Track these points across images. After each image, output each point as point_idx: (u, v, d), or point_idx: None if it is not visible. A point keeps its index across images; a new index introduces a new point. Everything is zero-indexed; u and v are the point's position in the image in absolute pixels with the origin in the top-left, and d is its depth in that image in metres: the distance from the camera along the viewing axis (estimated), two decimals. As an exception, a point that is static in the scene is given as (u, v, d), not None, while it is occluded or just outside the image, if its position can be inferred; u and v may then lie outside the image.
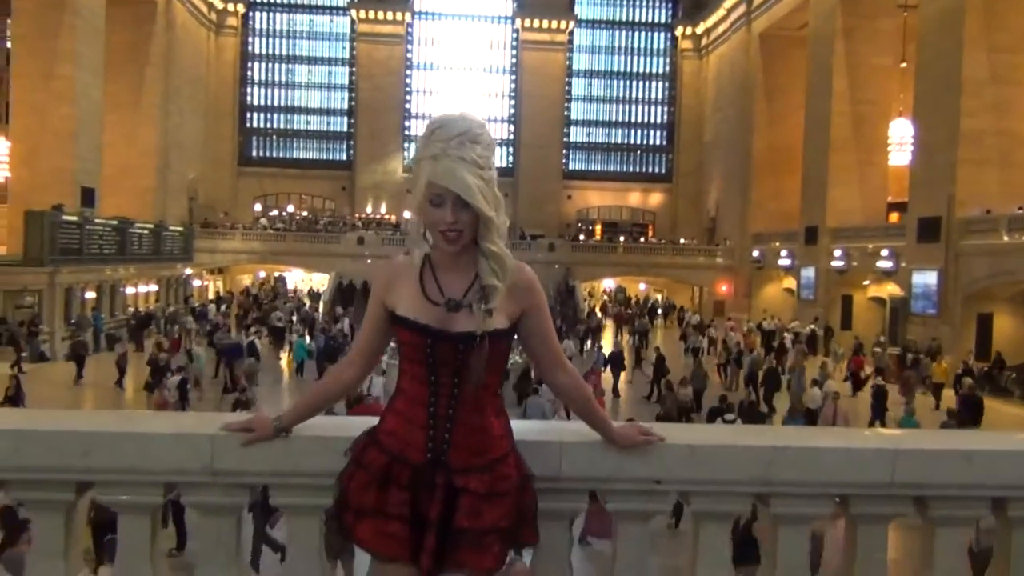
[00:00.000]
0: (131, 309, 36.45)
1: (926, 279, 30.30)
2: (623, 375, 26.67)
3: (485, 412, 2.25)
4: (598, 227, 62.90)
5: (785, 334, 36.24)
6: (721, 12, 54.85)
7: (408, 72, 61.74)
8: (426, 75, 62.24)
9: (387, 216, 58.95)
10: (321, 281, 50.64)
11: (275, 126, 61.81)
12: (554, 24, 60.61)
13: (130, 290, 37.71)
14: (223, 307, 40.29)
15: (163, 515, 9.08)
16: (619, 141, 64.18)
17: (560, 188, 62.00)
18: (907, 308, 31.50)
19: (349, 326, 31.63)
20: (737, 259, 49.79)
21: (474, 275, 2.23)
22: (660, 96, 63.81)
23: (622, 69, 63.75)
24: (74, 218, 32.13)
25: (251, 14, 60.54)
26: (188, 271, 45.41)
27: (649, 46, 63.58)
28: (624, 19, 63.39)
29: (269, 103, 61.65)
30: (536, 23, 60.60)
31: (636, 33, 63.48)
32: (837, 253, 37.14)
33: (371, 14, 59.42)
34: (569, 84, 62.91)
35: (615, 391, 24.73)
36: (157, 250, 40.28)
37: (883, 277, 34.40)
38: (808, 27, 41.61)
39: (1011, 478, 2.50)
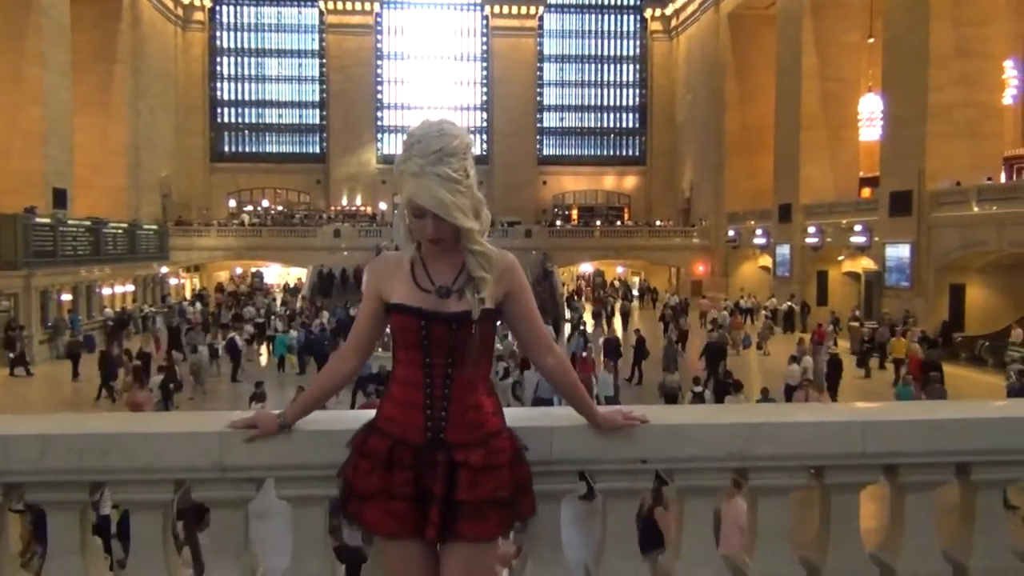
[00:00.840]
0: (107, 310, 36.18)
1: (899, 252, 30.72)
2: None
3: (477, 391, 2.40)
4: (574, 212, 63.11)
5: (762, 311, 36.71)
6: (690, -7, 55.05)
7: (379, 62, 61.53)
8: (397, 64, 62.04)
9: (363, 208, 58.82)
10: (299, 275, 50.48)
11: (247, 121, 61.45)
12: (523, 10, 60.59)
13: (106, 291, 37.41)
14: (198, 305, 40.00)
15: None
16: (592, 125, 64.34)
17: (535, 174, 62.10)
18: (881, 282, 31.93)
19: (329, 320, 31.61)
20: (713, 239, 50.17)
21: (461, 264, 2.39)
22: (631, 79, 63.98)
23: (593, 53, 63.89)
24: (47, 220, 31.84)
25: (218, 8, 60.02)
26: (164, 270, 45.12)
27: (619, 29, 63.71)
28: (593, 3, 63.56)
29: (240, 98, 61.24)
30: (505, 9, 60.54)
31: (605, 16, 63.59)
32: (811, 230, 37.54)
33: (339, 5, 59.15)
34: (540, 69, 62.94)
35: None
36: (132, 249, 39.98)
37: (857, 252, 34.83)
38: (776, 5, 41.88)
39: (974, 444, 2.66)
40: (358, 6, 59.43)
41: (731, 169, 48.56)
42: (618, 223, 58.82)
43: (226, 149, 61.06)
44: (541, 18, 62.21)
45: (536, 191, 62.06)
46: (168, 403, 19.09)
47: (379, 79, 61.72)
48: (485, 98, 62.64)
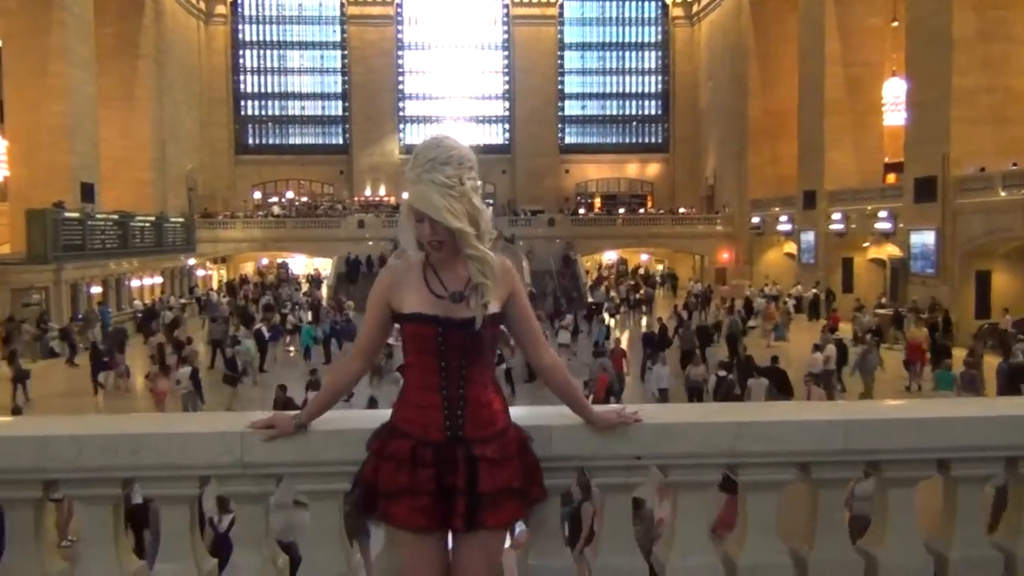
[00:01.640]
0: (136, 302, 36.77)
1: (924, 239, 30.50)
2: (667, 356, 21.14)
3: (487, 389, 2.59)
4: (597, 200, 63.03)
5: (787, 299, 36.60)
6: (711, -22, 54.68)
7: (400, 53, 61.69)
8: (418, 55, 62.18)
9: (386, 198, 59.11)
10: (323, 265, 50.90)
11: (270, 113, 61.88)
12: (544, -2, 60.41)
13: (135, 283, 38.02)
14: (239, 293, 40.34)
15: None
16: (614, 113, 64.12)
17: (557, 162, 62.08)
18: (907, 269, 31.72)
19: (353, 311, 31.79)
20: (737, 226, 49.94)
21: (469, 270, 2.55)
22: (653, 65, 63.67)
23: (614, 40, 63.57)
24: (76, 214, 32.43)
25: (239, 1, 60.37)
26: (191, 261, 45.70)
27: (640, 15, 63.36)
28: (614, -10, 63.14)
29: (263, 90, 61.67)
30: (526, -2, 60.44)
31: (627, 3, 63.24)
32: (836, 216, 37.31)
33: (360, -5, 59.33)
34: (562, 57, 62.81)
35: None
36: (159, 242, 40.56)
37: (882, 239, 34.61)
38: (799, -11, 41.46)
39: (953, 442, 2.80)
40: (379, -3, 59.68)
41: (754, 155, 48.24)
42: (641, 211, 58.65)
43: (250, 141, 61.60)
44: (561, 6, 62.07)
45: (559, 179, 62.05)
46: (199, 392, 19.40)
47: (400, 69, 61.90)
48: (507, 87, 62.63)
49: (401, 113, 61.87)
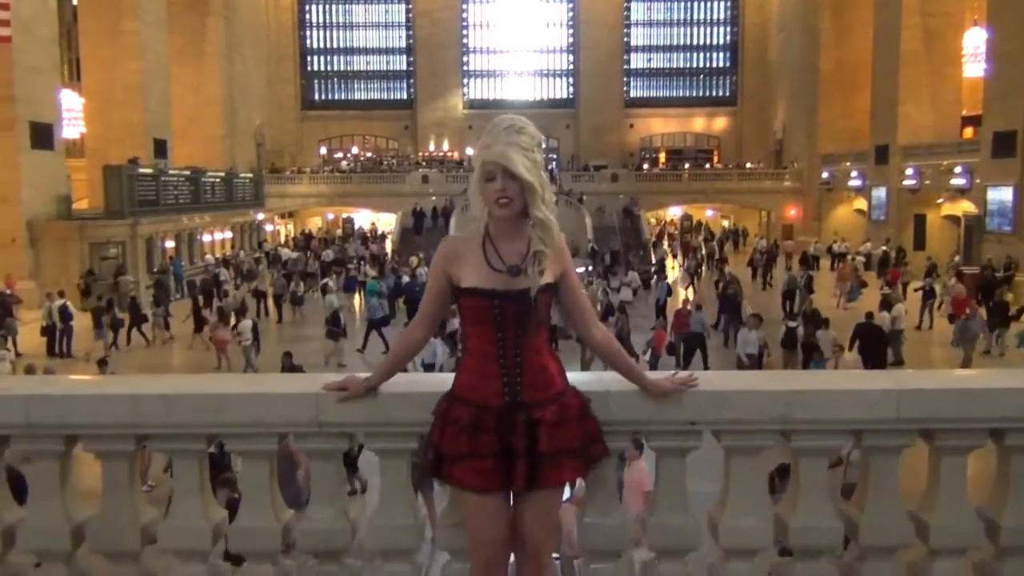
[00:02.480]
0: (208, 256, 37.72)
1: (1001, 196, 29.55)
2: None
3: (543, 354, 2.69)
4: (662, 155, 62.22)
5: (858, 256, 35.80)
6: (784, -76, 52.86)
7: (464, 6, 61.32)
8: (483, 8, 61.70)
9: (450, 153, 59.25)
10: (387, 221, 51.44)
11: (336, 68, 62.29)
12: (610, -53, 59.20)
13: (206, 238, 39.02)
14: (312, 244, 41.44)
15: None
16: (681, 65, 62.88)
17: (622, 117, 61.32)
18: (982, 226, 30.82)
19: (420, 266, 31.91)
20: (805, 182, 48.92)
21: (527, 242, 2.64)
22: (722, 16, 62.12)
23: (682, -11, 62.11)
24: (149, 170, 33.30)
25: (305, -43, 60.57)
26: (260, 216, 46.66)
27: (710, -36, 61.70)
28: (683, -63, 61.54)
29: (328, 46, 62.05)
30: (592, -52, 59.28)
31: (695, -49, 61.61)
32: (909, 172, 36.29)
33: (425, -52, 58.94)
34: (628, 9, 61.69)
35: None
36: (229, 197, 41.42)
37: (957, 195, 33.60)
38: (875, -65, 39.91)
39: (1006, 412, 2.83)
40: (444, -51, 59.19)
41: (826, 109, 46.98)
42: (707, 166, 57.67)
43: (316, 97, 62.22)
44: (629, -44, 60.79)
45: (623, 134, 61.34)
46: (257, 344, 20.22)
47: (464, 23, 61.58)
48: (571, 40, 61.87)
49: (465, 67, 61.69)
